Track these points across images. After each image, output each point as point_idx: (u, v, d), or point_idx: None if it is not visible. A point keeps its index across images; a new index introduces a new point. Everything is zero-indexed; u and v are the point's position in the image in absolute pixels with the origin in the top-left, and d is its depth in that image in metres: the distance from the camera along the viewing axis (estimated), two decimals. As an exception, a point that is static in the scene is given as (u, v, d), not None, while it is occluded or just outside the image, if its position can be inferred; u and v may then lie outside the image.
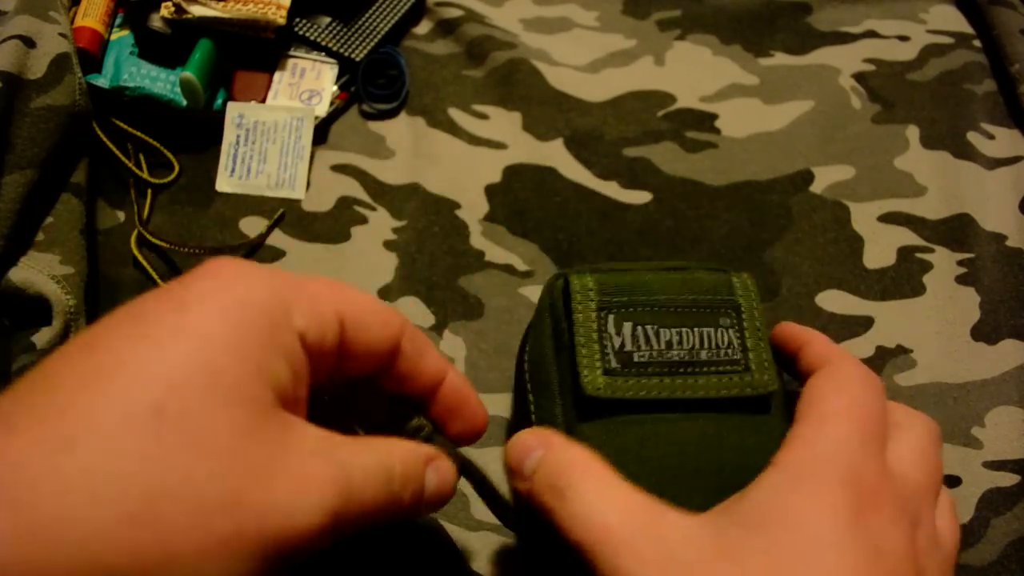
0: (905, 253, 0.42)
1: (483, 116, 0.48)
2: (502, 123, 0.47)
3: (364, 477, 0.20)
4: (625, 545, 0.22)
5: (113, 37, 0.46)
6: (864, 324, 0.40)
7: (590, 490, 0.23)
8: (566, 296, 0.30)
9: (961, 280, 0.41)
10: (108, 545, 0.15)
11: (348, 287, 0.23)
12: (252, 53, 0.46)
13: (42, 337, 0.36)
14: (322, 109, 0.46)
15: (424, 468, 0.24)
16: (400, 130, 0.47)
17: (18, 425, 0.16)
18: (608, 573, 0.21)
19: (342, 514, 0.19)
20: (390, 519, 0.22)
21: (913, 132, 0.47)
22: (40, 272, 0.37)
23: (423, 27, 0.52)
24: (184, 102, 0.45)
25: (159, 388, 0.17)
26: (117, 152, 0.44)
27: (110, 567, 0.15)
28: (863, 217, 0.43)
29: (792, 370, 0.30)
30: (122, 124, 0.45)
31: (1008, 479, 0.35)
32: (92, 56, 0.44)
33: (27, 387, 0.18)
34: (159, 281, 0.41)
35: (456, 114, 0.48)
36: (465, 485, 0.29)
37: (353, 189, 0.44)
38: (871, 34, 0.51)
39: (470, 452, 0.32)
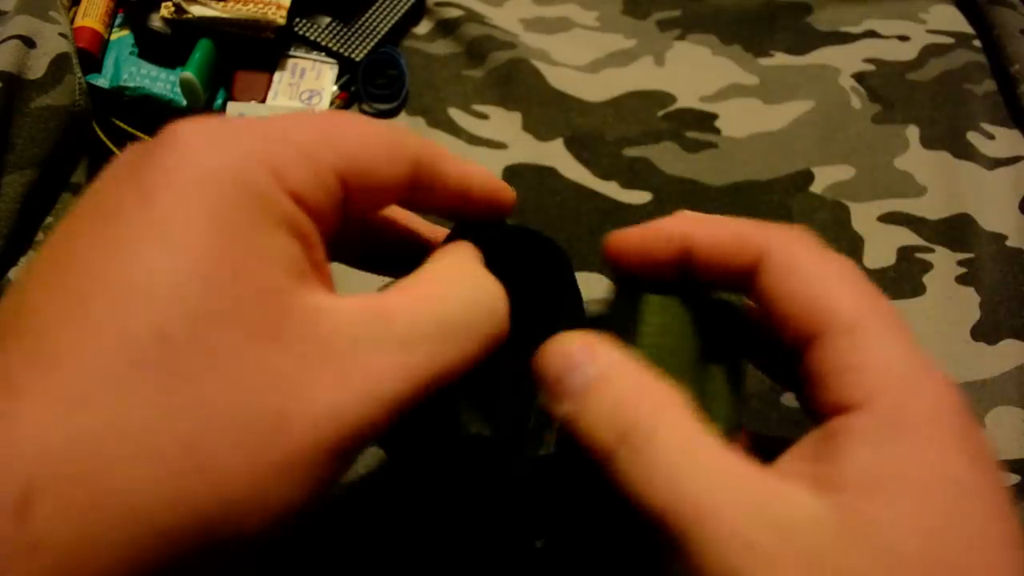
0: (905, 253, 0.42)
1: (483, 116, 0.48)
2: (502, 123, 0.47)
3: (432, 348, 0.17)
4: (731, 532, 0.16)
5: (113, 37, 0.46)
6: (864, 324, 0.40)
7: (673, 442, 0.17)
8: None
9: (961, 280, 0.41)
10: (160, 507, 0.14)
11: (341, 122, 0.19)
12: (252, 53, 0.46)
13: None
14: (322, 109, 0.46)
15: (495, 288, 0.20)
16: (400, 130, 0.47)
17: (19, 383, 0.14)
18: (704, 566, 0.16)
19: (411, 393, 0.17)
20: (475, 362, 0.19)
21: (913, 132, 0.47)
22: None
23: (423, 27, 0.52)
24: (184, 102, 0.45)
25: (154, 312, 0.14)
26: (117, 152, 0.44)
27: (168, 530, 0.14)
28: (863, 217, 0.43)
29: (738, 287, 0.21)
30: (122, 124, 0.45)
31: (1008, 479, 0.35)
32: (92, 56, 0.44)
33: (10, 327, 0.15)
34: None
35: (456, 114, 0.48)
36: None
37: (353, 189, 0.44)
38: (871, 34, 0.51)
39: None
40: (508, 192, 0.23)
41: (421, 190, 0.20)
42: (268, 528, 0.15)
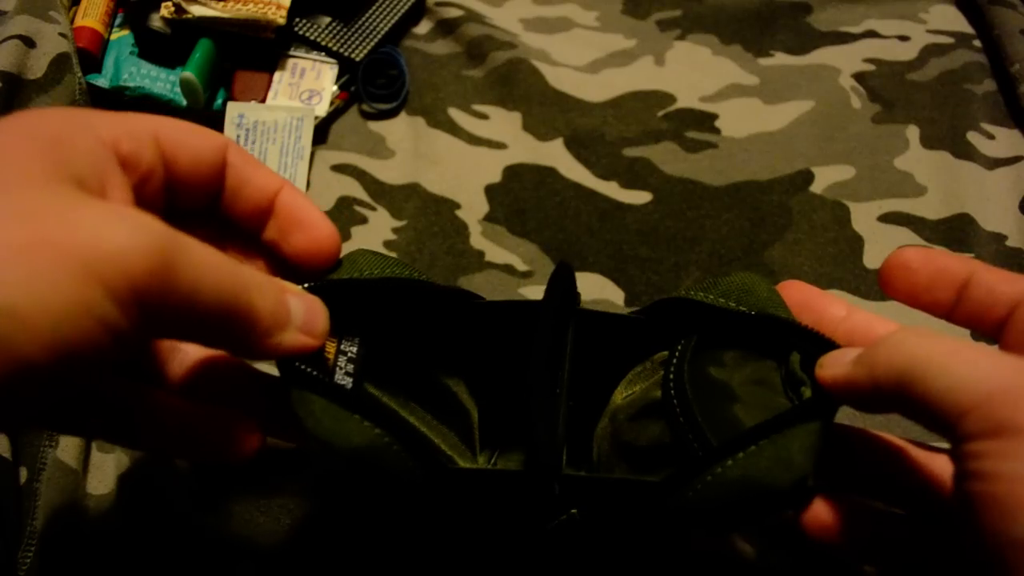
0: (905, 253, 0.42)
1: (483, 116, 0.48)
2: (502, 123, 0.47)
3: (201, 251, 0.19)
4: (994, 385, 0.19)
5: (113, 37, 0.46)
6: (864, 324, 0.40)
7: (957, 354, 0.20)
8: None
9: (961, 280, 0.41)
10: None
11: (164, 117, 0.23)
12: (252, 53, 0.46)
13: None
14: (322, 109, 0.46)
15: (283, 293, 0.22)
16: (400, 130, 0.47)
17: None
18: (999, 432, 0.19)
19: (173, 262, 0.18)
20: (244, 341, 0.21)
21: (913, 132, 0.47)
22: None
23: (423, 27, 0.52)
24: (184, 102, 0.45)
25: None
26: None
27: None
28: (863, 217, 0.43)
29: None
30: (122, 124, 0.45)
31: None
32: (92, 56, 0.44)
33: None
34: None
35: (456, 114, 0.48)
36: None
37: (353, 189, 0.44)
38: (871, 34, 0.51)
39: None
40: (324, 226, 0.25)
41: (232, 188, 0.24)
42: (47, 336, 0.16)
